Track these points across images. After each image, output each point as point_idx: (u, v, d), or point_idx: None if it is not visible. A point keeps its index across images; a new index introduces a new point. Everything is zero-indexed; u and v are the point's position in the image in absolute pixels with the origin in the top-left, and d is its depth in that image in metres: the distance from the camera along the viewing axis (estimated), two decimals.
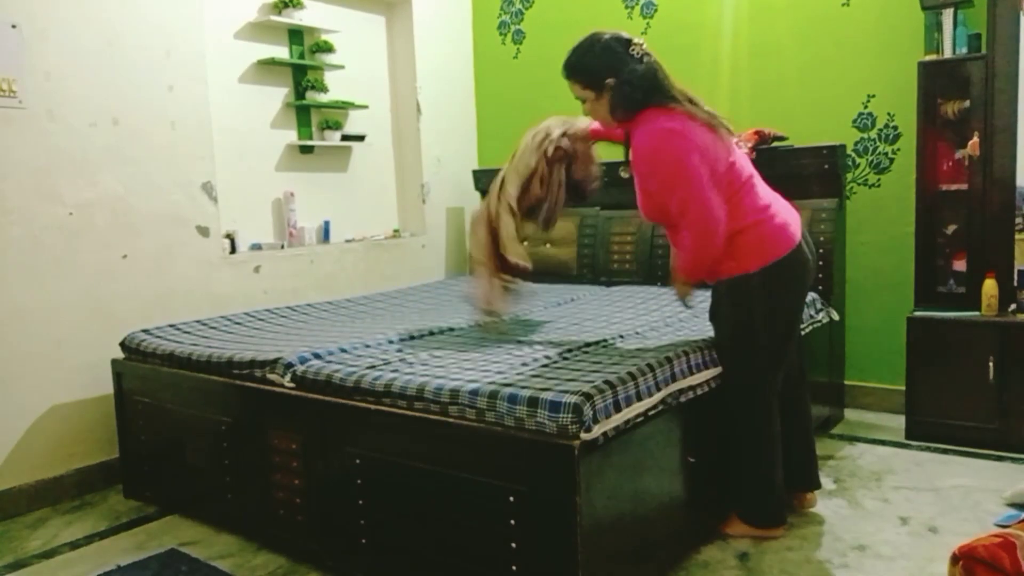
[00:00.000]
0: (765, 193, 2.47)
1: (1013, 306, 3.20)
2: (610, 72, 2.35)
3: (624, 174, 4.59)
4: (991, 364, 3.16)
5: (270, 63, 4.07)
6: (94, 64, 3.22)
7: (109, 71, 3.27)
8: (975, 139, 3.24)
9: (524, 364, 2.32)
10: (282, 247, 4.07)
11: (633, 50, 2.36)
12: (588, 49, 2.40)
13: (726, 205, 2.33)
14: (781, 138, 3.70)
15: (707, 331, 2.71)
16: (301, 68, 4.24)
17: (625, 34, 2.41)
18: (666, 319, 3.10)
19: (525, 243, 3.50)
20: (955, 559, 1.87)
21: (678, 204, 2.32)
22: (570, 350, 2.49)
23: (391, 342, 2.82)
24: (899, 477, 2.98)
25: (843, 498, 2.81)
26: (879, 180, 3.75)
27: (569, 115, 4.80)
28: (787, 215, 2.46)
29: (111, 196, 3.28)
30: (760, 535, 2.52)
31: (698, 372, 2.41)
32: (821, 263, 3.40)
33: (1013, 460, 3.09)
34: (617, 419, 1.98)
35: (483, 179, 4.96)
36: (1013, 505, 2.64)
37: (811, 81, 3.87)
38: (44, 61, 3.07)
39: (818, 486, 2.72)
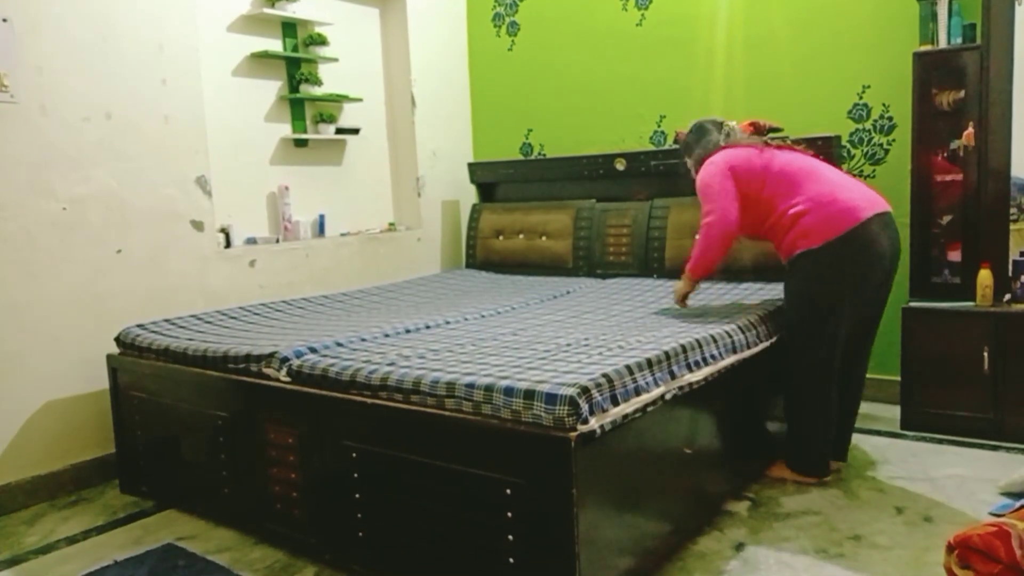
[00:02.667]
0: (829, 181, 2.79)
1: (1008, 296, 3.21)
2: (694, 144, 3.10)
3: (620, 166, 4.62)
4: (986, 354, 3.17)
5: (263, 56, 4.05)
6: (87, 58, 3.20)
7: (102, 65, 3.25)
8: (970, 130, 3.24)
9: (521, 357, 2.32)
10: (277, 241, 4.07)
11: (724, 129, 3.06)
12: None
13: (773, 199, 2.81)
14: (776, 129, 3.69)
15: (707, 326, 2.72)
16: (295, 61, 4.23)
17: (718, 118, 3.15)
18: (663, 311, 3.10)
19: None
20: (950, 548, 1.88)
21: (704, 208, 2.90)
22: (567, 343, 2.50)
23: (387, 336, 2.82)
24: (894, 467, 2.99)
25: (839, 488, 2.82)
26: (874, 171, 3.75)
27: (562, 105, 4.78)
28: (851, 200, 2.72)
29: (105, 191, 3.27)
30: (799, 480, 2.87)
31: (697, 369, 2.41)
32: None
33: (1008, 450, 3.10)
34: (615, 413, 1.99)
35: (478, 172, 4.95)
36: (1008, 494, 2.65)
37: (806, 72, 3.87)
38: (36, 55, 3.05)
39: (844, 459, 3.04)
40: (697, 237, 2.95)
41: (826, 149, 3.56)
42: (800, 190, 2.77)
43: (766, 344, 2.87)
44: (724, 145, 2.99)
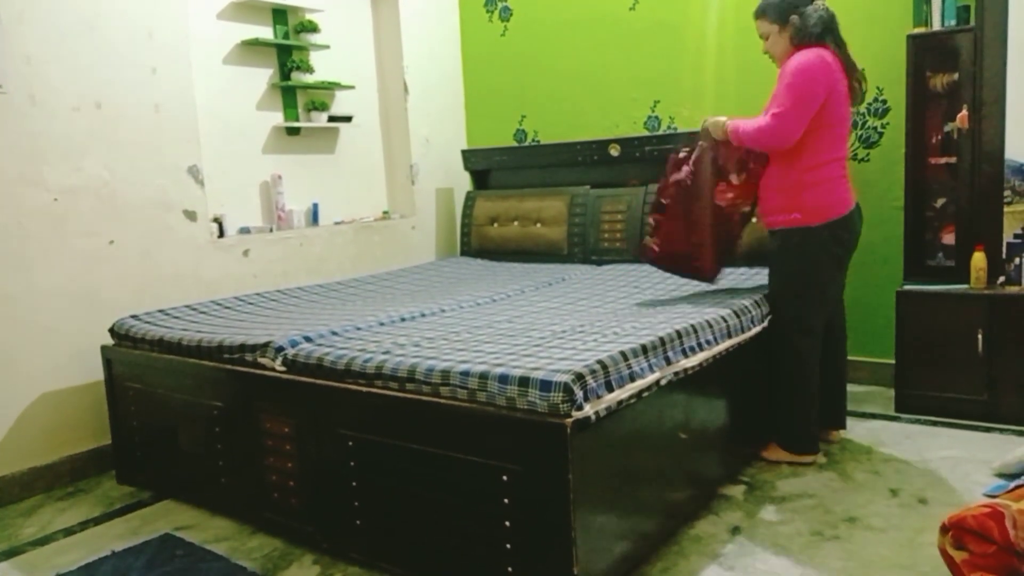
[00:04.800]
0: (841, 163, 2.82)
1: (1002, 279, 3.21)
2: (793, 11, 2.80)
3: (614, 152, 4.60)
4: (980, 337, 3.18)
5: (254, 44, 4.01)
6: (75, 47, 3.17)
7: (91, 54, 3.22)
8: (964, 112, 3.23)
9: (516, 344, 2.32)
10: (271, 230, 4.05)
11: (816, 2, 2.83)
12: None
13: (821, 135, 2.72)
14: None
15: (702, 311, 2.72)
16: (286, 48, 4.19)
17: None
18: (659, 298, 3.10)
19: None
20: (945, 529, 1.89)
21: (780, 94, 2.70)
22: (562, 330, 2.49)
23: (382, 324, 2.82)
24: (889, 449, 3.00)
25: (834, 471, 2.83)
26: (868, 155, 3.75)
27: (555, 91, 4.75)
28: (847, 189, 2.84)
29: (96, 181, 3.25)
30: (794, 460, 2.91)
31: (692, 355, 2.42)
32: None
33: (1001, 431, 3.12)
34: (609, 399, 1.99)
35: (472, 159, 4.93)
36: (1002, 475, 2.67)
37: None
38: (24, 45, 3.02)
39: (843, 426, 3.14)
40: (761, 120, 2.73)
41: None
42: (829, 157, 2.75)
43: (760, 328, 2.87)
44: (830, 47, 2.77)
